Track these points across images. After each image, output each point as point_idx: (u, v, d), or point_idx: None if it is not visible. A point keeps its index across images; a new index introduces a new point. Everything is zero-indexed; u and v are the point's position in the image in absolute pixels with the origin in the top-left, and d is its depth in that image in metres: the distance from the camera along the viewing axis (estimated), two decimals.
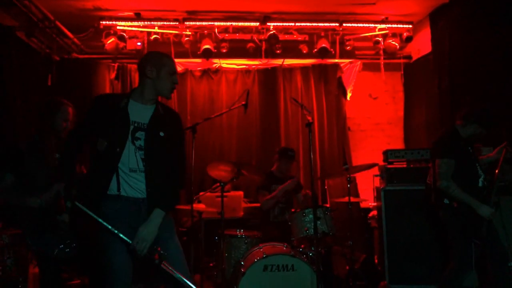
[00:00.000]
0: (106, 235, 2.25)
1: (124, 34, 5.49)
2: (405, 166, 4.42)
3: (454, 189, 3.14)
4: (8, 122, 4.33)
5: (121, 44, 5.53)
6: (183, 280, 2.19)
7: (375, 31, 5.78)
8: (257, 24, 5.58)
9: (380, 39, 5.81)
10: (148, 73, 2.42)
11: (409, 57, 6.35)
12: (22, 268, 3.74)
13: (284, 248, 3.52)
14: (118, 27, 5.47)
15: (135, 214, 2.34)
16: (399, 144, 6.38)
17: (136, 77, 5.92)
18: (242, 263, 3.50)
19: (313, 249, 3.57)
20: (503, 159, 3.28)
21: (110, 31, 5.49)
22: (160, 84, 2.43)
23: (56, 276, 2.93)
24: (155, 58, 2.47)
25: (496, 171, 3.25)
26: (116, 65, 5.89)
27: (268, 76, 6.16)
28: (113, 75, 5.87)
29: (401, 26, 5.72)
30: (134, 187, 2.33)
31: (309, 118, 3.35)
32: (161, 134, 2.41)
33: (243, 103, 4.05)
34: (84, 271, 4.26)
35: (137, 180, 2.34)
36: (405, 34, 5.73)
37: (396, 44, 5.79)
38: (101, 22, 5.39)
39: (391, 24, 5.71)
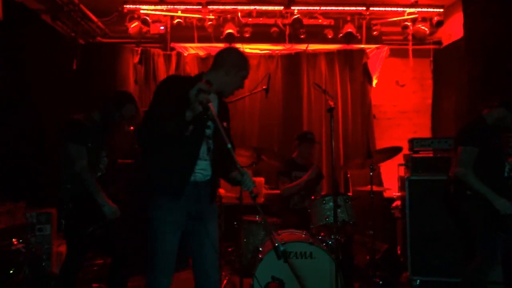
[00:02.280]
0: (159, 223, 2.30)
1: (148, 18, 5.51)
2: (431, 155, 4.26)
3: (471, 178, 3.01)
4: (35, 104, 4.41)
5: (145, 28, 5.55)
6: (268, 222, 2.19)
7: (403, 15, 5.59)
8: (281, 8, 5.48)
9: (409, 23, 5.62)
10: (227, 69, 2.40)
11: (439, 42, 6.12)
12: (46, 246, 3.85)
13: (303, 236, 3.46)
14: (141, 11, 5.49)
15: (194, 198, 2.36)
16: (426, 133, 6.18)
17: (159, 61, 5.93)
18: (260, 249, 3.47)
19: (332, 237, 3.50)
20: None
21: (134, 15, 5.51)
22: (230, 84, 2.44)
23: (82, 254, 2.97)
24: (240, 59, 2.46)
25: None
26: (139, 49, 5.90)
27: (292, 62, 6.05)
28: (136, 59, 5.89)
29: (432, 10, 5.50)
30: (197, 171, 2.36)
31: (331, 103, 3.25)
32: (224, 124, 2.43)
33: (264, 87, 3.98)
34: (107, 252, 4.34)
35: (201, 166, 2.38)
36: (435, 19, 5.51)
37: (426, 29, 5.58)
38: (125, 6, 5.42)
39: (421, 8, 5.50)
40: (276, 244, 2.08)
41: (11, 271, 3.15)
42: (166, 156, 2.30)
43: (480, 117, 3.28)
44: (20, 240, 3.40)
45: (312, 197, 3.88)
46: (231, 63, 2.41)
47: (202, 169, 2.38)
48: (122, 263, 2.99)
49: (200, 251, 2.42)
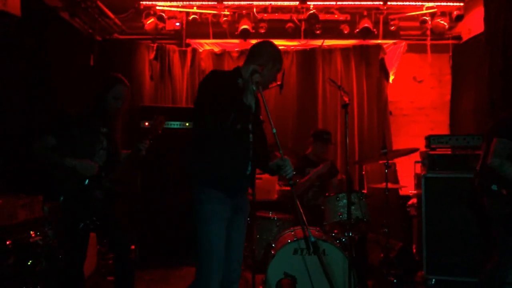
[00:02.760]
0: (213, 218, 2.32)
1: (163, 14, 5.55)
2: (449, 152, 4.18)
3: (509, 167, 2.90)
4: (51, 101, 4.48)
5: (160, 25, 5.59)
6: (301, 213, 2.17)
7: (422, 10, 5.49)
8: (297, 3, 5.44)
9: (427, 18, 5.51)
10: (265, 62, 2.39)
11: (458, 37, 5.99)
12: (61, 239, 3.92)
13: (316, 232, 3.44)
14: (157, 7, 5.54)
15: (239, 192, 2.46)
16: (444, 130, 6.06)
17: (174, 57, 5.97)
18: (273, 245, 3.47)
19: (346, 234, 3.47)
20: None
21: (150, 12, 5.56)
22: (266, 77, 2.40)
23: (79, 248, 2.92)
24: (276, 52, 2.46)
25: None
26: (155, 45, 5.94)
27: (307, 58, 6.00)
28: (152, 56, 5.94)
29: (451, 4, 5.39)
30: None
31: (346, 99, 3.21)
32: (261, 117, 2.48)
33: (278, 83, 3.94)
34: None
35: None
36: (455, 13, 5.39)
37: (445, 23, 5.47)
38: (141, 2, 5.47)
39: (440, 2, 5.40)
40: (308, 235, 2.13)
41: (29, 263, 3.22)
42: (223, 151, 2.32)
43: None
44: (38, 233, 3.47)
45: (326, 194, 3.86)
46: (268, 56, 2.41)
47: (250, 164, 2.44)
48: (123, 257, 2.93)
49: (228, 245, 2.42)
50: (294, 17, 5.62)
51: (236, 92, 2.21)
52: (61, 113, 2.92)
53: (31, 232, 3.45)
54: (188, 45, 6.01)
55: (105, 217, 2.91)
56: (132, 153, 2.97)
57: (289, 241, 3.29)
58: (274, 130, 2.13)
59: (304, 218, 2.17)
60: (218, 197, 2.33)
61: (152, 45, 5.96)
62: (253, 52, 2.46)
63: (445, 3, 5.38)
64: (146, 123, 4.51)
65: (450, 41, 6.00)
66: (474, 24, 5.45)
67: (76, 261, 2.89)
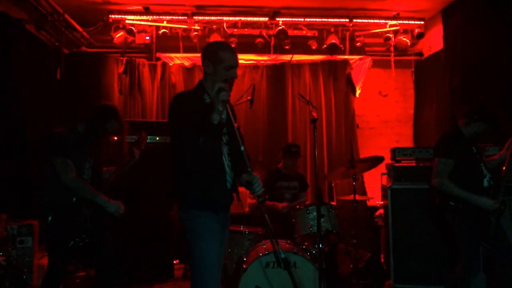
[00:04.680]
0: (205, 234, 2.32)
1: (133, 28, 5.51)
2: (413, 164, 4.34)
3: (449, 185, 3.06)
4: (17, 114, 4.36)
5: (130, 38, 5.55)
6: (272, 233, 2.20)
7: (386, 27, 5.71)
8: (266, 19, 5.54)
9: (391, 35, 5.74)
10: (206, 68, 2.38)
11: (420, 54, 6.27)
12: (27, 259, 3.79)
13: (287, 245, 3.48)
14: (127, 21, 5.50)
15: (225, 207, 2.47)
16: (408, 143, 6.29)
17: (144, 71, 5.94)
18: (244, 259, 3.47)
19: (316, 246, 3.53)
20: (511, 155, 3.12)
21: (119, 25, 5.51)
22: (217, 80, 2.31)
23: (64, 267, 2.92)
24: (212, 53, 2.39)
25: (504, 167, 3.14)
26: (124, 59, 5.89)
27: (277, 72, 6.12)
28: (121, 69, 5.87)
29: (413, 22, 5.64)
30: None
31: (315, 114, 3.30)
32: (235, 125, 2.40)
33: (249, 98, 4.02)
34: (90, 265, 4.28)
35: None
36: (416, 31, 5.65)
37: (407, 40, 5.71)
38: (110, 16, 5.41)
39: (402, 20, 5.63)
40: (278, 251, 2.16)
41: None
42: (200, 171, 2.32)
43: (456, 128, 3.30)
44: (1, 253, 3.35)
45: (297, 207, 3.91)
46: (207, 61, 2.37)
47: (230, 177, 2.43)
48: (109, 274, 2.92)
49: None
50: (264, 33, 5.72)
51: (204, 111, 2.18)
52: (58, 134, 2.90)
53: None
54: (158, 59, 5.99)
55: (93, 234, 2.90)
56: (126, 163, 3.12)
57: (260, 254, 3.30)
58: (242, 148, 2.15)
59: (274, 234, 2.22)
60: (206, 216, 2.35)
61: (121, 58, 5.90)
62: (205, 54, 2.43)
63: (407, 22, 5.63)
64: (115, 138, 4.45)
65: (412, 57, 6.28)
66: (434, 41, 5.73)
67: (57, 281, 2.88)
